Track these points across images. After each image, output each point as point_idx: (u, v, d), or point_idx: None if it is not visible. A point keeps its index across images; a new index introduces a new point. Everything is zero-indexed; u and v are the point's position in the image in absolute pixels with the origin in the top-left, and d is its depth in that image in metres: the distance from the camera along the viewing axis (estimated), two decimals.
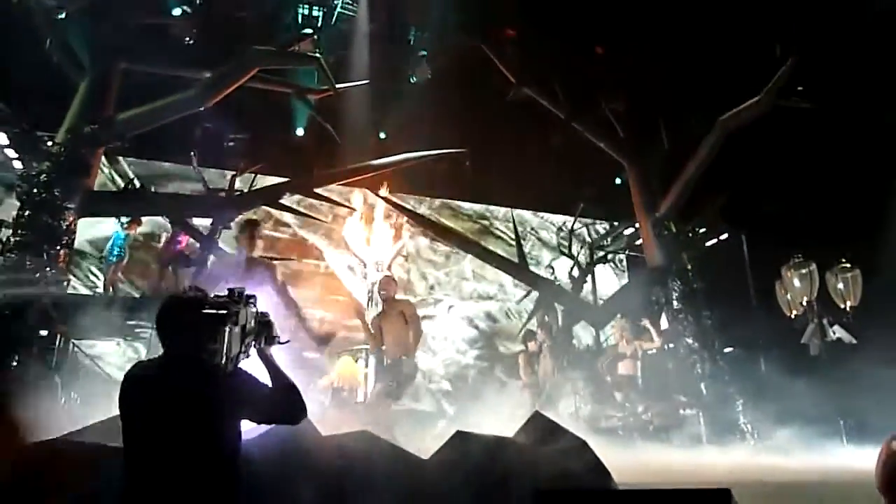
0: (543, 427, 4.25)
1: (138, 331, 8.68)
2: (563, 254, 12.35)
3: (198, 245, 9.22)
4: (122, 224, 9.67)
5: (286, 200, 9.39)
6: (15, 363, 6.83)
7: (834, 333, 9.37)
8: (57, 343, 7.72)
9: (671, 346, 9.85)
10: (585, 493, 3.11)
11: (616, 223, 13.58)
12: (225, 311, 2.25)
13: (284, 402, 2.35)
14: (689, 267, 10.25)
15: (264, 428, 3.82)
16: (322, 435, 4.03)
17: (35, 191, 7.82)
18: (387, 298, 6.56)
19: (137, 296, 9.85)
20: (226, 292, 2.34)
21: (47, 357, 7.45)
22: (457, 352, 12.40)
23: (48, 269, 7.70)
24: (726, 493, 2.58)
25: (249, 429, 3.48)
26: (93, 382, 7.39)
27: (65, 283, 8.26)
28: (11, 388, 6.28)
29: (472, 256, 11.54)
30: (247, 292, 2.36)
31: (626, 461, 4.68)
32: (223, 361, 2.23)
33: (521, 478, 3.60)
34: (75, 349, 8.26)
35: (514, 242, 11.35)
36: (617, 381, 8.69)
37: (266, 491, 3.17)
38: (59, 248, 7.86)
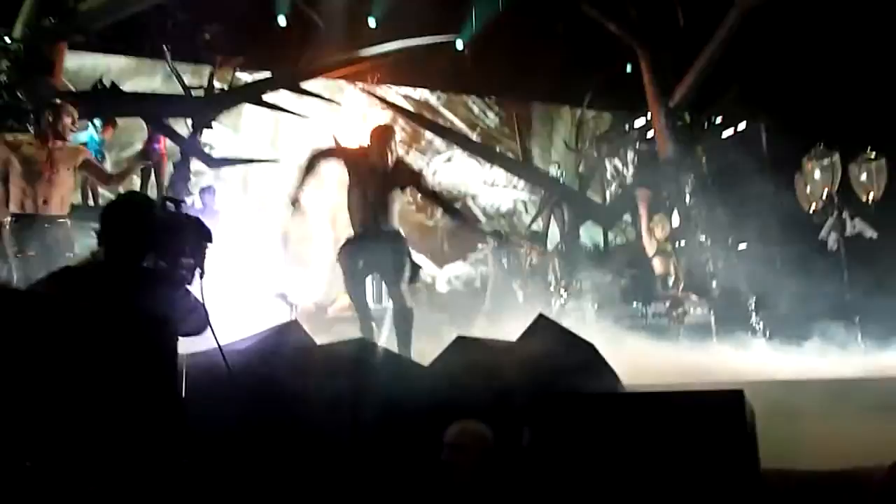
0: (548, 331, 4.25)
1: None
2: (570, 148, 12.10)
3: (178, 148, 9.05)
4: (95, 127, 9.43)
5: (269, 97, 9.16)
6: None
7: (854, 227, 9.31)
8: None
9: (682, 243, 9.87)
10: (590, 397, 3.10)
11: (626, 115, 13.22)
12: (205, 228, 2.33)
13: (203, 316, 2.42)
14: (704, 160, 10.16)
15: (250, 336, 3.94)
16: (316, 343, 4.10)
17: None
18: None
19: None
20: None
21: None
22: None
23: None
24: (739, 393, 2.57)
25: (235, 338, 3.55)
26: None
27: None
28: None
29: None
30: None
31: (635, 362, 4.70)
32: (191, 275, 2.30)
33: (524, 383, 3.65)
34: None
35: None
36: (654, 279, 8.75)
37: (256, 404, 3.18)
38: None
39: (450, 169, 12.43)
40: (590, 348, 4.10)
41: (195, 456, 2.27)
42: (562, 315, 8.08)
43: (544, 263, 9.43)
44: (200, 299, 2.37)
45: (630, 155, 12.90)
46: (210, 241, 2.36)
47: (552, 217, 10.67)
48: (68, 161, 5.03)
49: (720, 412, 2.52)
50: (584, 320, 8.38)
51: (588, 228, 11.72)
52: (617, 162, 13.32)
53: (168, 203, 2.35)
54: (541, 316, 4.39)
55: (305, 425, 3.33)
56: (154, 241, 2.27)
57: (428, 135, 12.16)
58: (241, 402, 2.99)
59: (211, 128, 9.18)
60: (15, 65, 7.68)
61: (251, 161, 9.87)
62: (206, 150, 9.11)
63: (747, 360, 6.61)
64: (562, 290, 9.11)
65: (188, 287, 2.33)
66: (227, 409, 2.92)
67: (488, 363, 3.80)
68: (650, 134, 11.61)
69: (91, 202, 9.54)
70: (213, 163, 9.19)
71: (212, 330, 2.37)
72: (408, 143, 11.92)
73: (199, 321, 2.37)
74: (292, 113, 9.87)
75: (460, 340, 4.06)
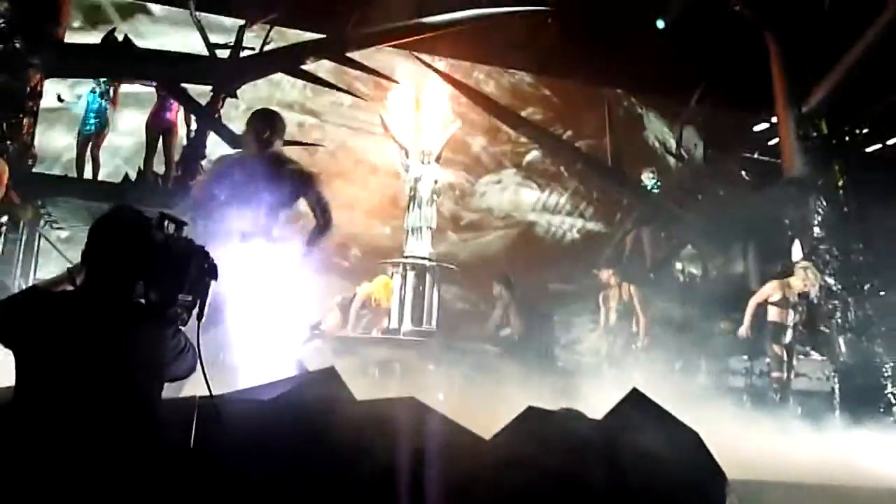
0: (641, 410, 3.98)
1: None
2: (672, 155, 11.71)
3: (193, 118, 9.02)
4: (101, 91, 9.39)
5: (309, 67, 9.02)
6: None
7: None
8: (20, 231, 7.85)
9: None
10: None
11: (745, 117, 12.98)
12: (211, 261, 2.37)
13: (193, 361, 2.46)
14: (841, 182, 9.75)
15: (277, 388, 3.82)
16: (355, 399, 3.98)
17: None
18: None
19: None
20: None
21: (6, 246, 7.65)
22: None
23: (9, 142, 7.72)
24: None
25: (252, 386, 3.58)
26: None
27: (30, 161, 8.26)
28: None
29: None
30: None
31: (731, 437, 4.63)
32: (186, 315, 2.35)
33: (605, 474, 3.47)
34: (41, 238, 8.30)
35: None
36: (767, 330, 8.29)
37: (283, 472, 3.13)
38: (21, 115, 7.85)
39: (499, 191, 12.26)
40: (692, 437, 3.81)
41: None
42: (636, 366, 8.04)
43: (623, 299, 9.10)
44: (192, 342, 2.39)
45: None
46: (215, 277, 2.37)
47: (643, 240, 10.28)
48: None
49: None
50: (664, 374, 8.14)
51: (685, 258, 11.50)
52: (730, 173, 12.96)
53: (167, 223, 2.36)
54: (634, 391, 4.11)
55: None
56: (147, 269, 2.30)
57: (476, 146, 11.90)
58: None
59: (235, 96, 9.07)
60: (13, 7, 7.75)
61: (289, 143, 9.73)
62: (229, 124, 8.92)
63: (883, 448, 6.10)
64: (640, 334, 8.84)
65: (180, 327, 2.36)
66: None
67: (564, 443, 3.66)
68: (773, 142, 11.35)
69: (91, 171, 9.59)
70: (236, 140, 8.99)
71: (203, 374, 2.38)
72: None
73: (187, 364, 2.40)
74: (340, 89, 9.74)
75: (531, 412, 3.88)
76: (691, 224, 10.72)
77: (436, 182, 8.73)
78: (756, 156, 12.61)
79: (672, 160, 11.94)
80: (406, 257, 8.56)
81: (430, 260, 8.54)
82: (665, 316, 8.92)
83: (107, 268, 2.31)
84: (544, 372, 8.11)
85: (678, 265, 11.35)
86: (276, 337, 5.06)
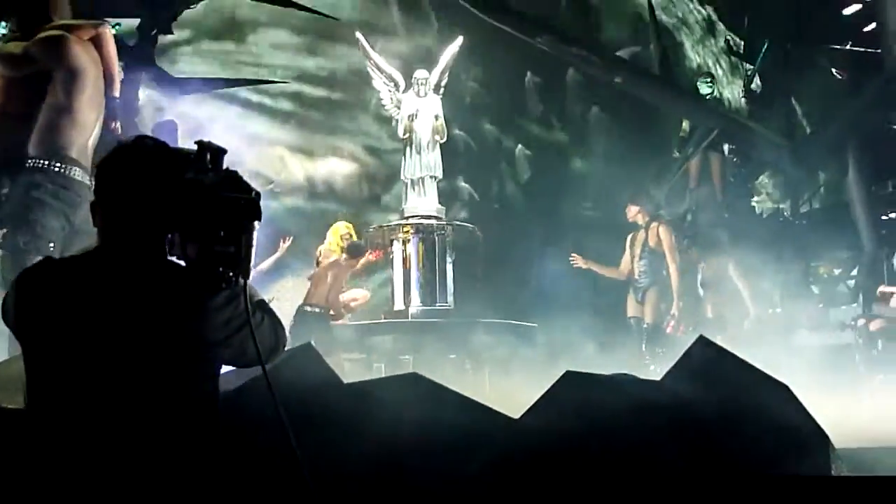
0: (712, 362, 4.12)
1: None
2: (733, 53, 11.83)
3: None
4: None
5: None
6: None
7: None
8: None
9: None
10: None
11: None
12: (251, 193, 2.25)
13: (271, 340, 2.44)
14: None
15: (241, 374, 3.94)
16: (341, 381, 4.08)
17: None
18: None
19: None
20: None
21: None
22: None
23: None
24: None
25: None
26: None
27: None
28: None
29: None
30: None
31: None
32: (231, 273, 2.22)
33: (674, 445, 3.58)
34: None
35: None
36: None
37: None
38: None
39: None
40: (782, 391, 3.96)
41: None
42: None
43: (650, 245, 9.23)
44: (264, 307, 2.38)
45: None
46: (258, 218, 2.26)
47: (709, 165, 10.57)
48: None
49: None
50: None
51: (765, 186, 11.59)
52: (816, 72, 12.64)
53: (207, 154, 2.28)
54: (701, 339, 4.24)
55: None
56: (178, 215, 2.21)
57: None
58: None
59: (170, 32, 9.24)
60: None
61: (242, 82, 10.18)
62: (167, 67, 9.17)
63: None
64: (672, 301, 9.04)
65: (229, 291, 2.26)
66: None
67: (616, 413, 3.70)
68: (870, 27, 11.31)
69: None
70: (175, 87, 9.20)
71: (259, 357, 2.28)
72: None
73: (245, 345, 2.30)
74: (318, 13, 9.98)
75: (570, 377, 3.97)
76: (771, 142, 10.81)
77: (437, 118, 8.70)
78: (849, 46, 12.54)
79: (732, 62, 11.91)
80: (407, 218, 8.57)
81: (438, 219, 8.57)
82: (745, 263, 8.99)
83: (129, 218, 2.26)
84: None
85: (757, 197, 11.49)
86: None
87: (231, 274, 2.20)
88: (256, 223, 2.24)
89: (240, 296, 2.24)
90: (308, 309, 8.27)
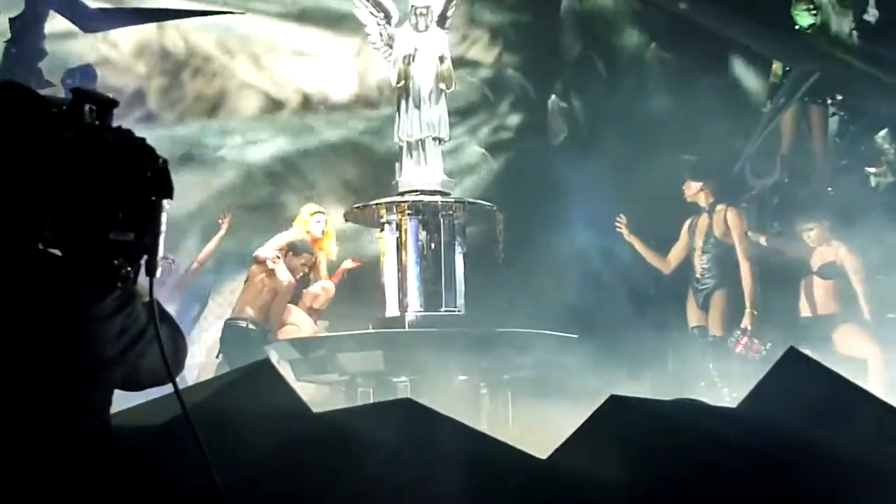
0: (809, 379, 4.31)
1: None
2: None
3: None
4: None
5: None
6: None
7: None
8: None
9: None
10: None
11: None
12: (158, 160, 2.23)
13: (172, 355, 2.40)
14: None
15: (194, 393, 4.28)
16: (313, 412, 4.33)
17: None
18: None
19: None
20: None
21: None
22: None
23: None
24: None
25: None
26: None
27: None
28: None
29: None
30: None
31: None
32: (129, 269, 2.17)
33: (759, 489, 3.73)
34: None
35: None
36: None
37: None
38: None
39: None
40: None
41: None
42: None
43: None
44: (160, 312, 2.34)
45: None
46: (170, 195, 2.22)
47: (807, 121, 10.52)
48: None
49: None
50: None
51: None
52: None
53: (87, 106, 2.21)
54: (792, 351, 4.50)
55: None
56: (58, 193, 2.14)
57: None
58: None
59: None
60: None
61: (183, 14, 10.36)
62: None
63: None
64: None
65: (127, 288, 2.23)
66: None
67: (675, 451, 3.84)
68: None
69: None
70: (92, 21, 8.86)
71: (168, 372, 2.29)
72: None
73: (154, 358, 2.31)
74: None
75: (616, 403, 4.12)
76: (892, 90, 10.70)
77: (442, 60, 8.46)
78: None
79: None
80: (402, 194, 8.34)
81: (444, 195, 8.36)
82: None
83: None
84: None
85: (873, 165, 11.10)
86: None
87: (129, 269, 2.17)
88: (166, 201, 2.24)
89: (134, 298, 2.28)
90: (240, 324, 8.53)
